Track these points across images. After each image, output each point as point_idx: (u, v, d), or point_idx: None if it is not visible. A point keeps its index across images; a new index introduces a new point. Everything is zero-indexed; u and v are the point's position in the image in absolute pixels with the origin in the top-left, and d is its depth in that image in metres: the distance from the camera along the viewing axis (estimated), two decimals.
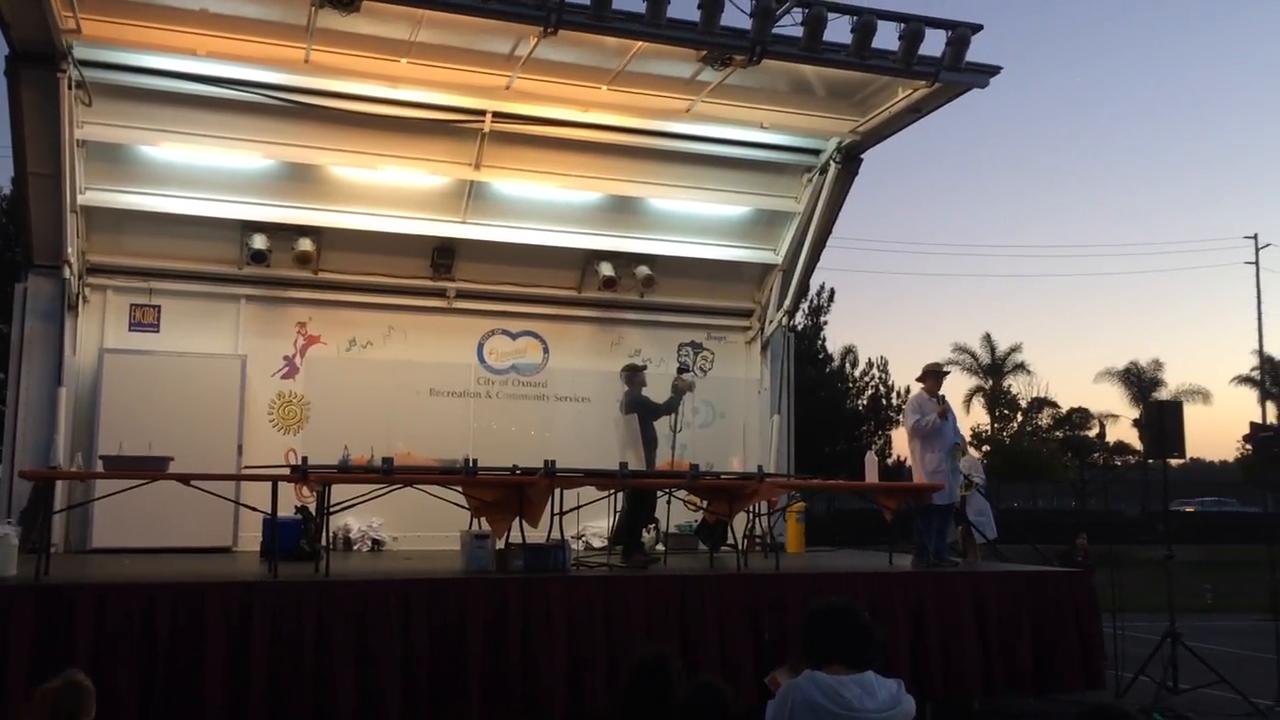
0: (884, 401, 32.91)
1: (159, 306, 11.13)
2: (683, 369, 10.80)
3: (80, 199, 10.17)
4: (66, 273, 10.17)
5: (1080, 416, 40.73)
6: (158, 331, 11.10)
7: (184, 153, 10.52)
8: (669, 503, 10.04)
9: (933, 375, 9.94)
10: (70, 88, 9.25)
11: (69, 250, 10.05)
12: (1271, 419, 41.33)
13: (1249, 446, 40.42)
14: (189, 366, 10.81)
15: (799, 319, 26.44)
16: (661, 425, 9.99)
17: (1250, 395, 42.90)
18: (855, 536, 17.21)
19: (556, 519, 8.80)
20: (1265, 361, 41.53)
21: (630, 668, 3.86)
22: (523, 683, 7.40)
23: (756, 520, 10.11)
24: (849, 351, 33.25)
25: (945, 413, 9.76)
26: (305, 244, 11.10)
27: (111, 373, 10.55)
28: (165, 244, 11.02)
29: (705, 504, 9.78)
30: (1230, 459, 46.92)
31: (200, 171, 10.67)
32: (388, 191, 11.30)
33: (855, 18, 9.11)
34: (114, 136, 10.22)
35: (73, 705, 3.83)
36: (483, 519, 8.48)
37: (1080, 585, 9.28)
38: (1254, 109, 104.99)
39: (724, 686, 3.63)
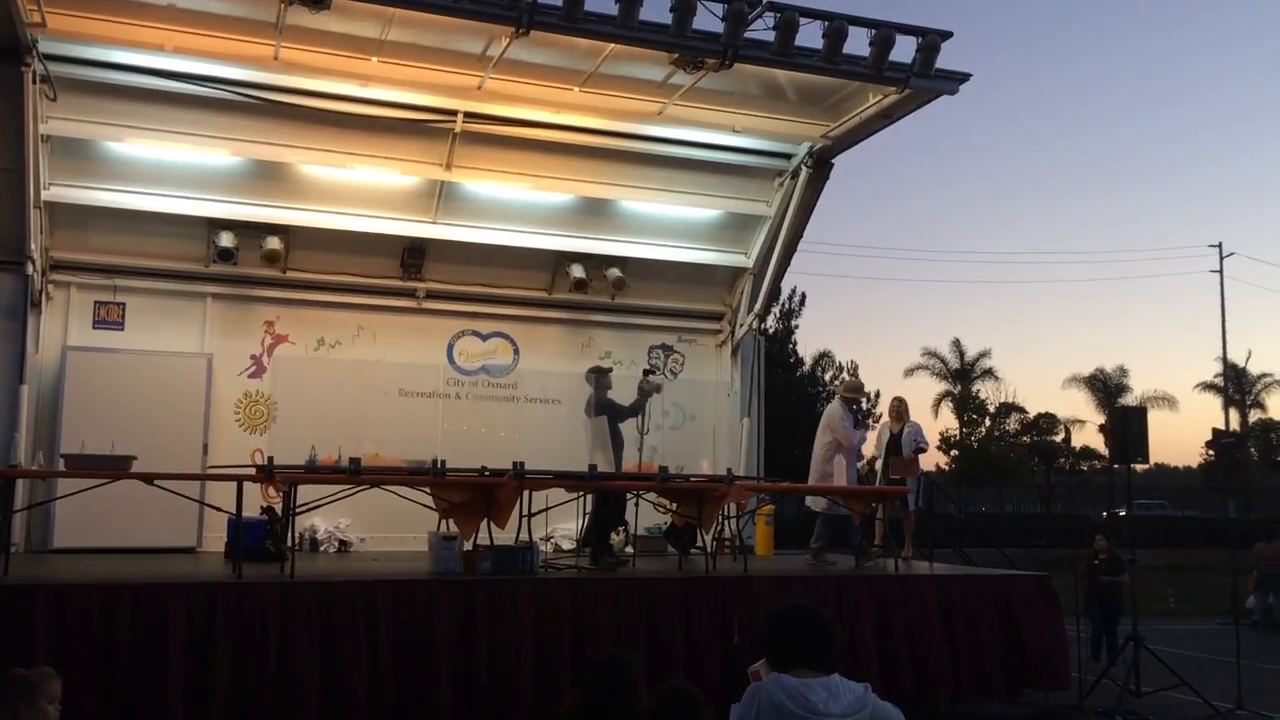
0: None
1: (124, 304, 11.00)
2: (650, 371, 10.78)
3: (44, 194, 10.04)
4: (29, 269, 10.05)
5: (1047, 422, 41.16)
6: (122, 329, 10.97)
7: (150, 149, 10.40)
8: (637, 505, 10.03)
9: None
10: (34, 82, 9.12)
11: (32, 246, 9.92)
12: (1234, 425, 41.92)
13: (1211, 452, 41.01)
14: (154, 365, 10.68)
15: (770, 323, 26.50)
16: (629, 427, 9.98)
17: (1214, 402, 43.58)
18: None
19: (525, 521, 8.77)
20: (1229, 369, 42.11)
21: (590, 666, 3.82)
22: (489, 685, 7.36)
23: (725, 523, 10.11)
24: (824, 356, 33.39)
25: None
26: (273, 242, 11.01)
27: (74, 370, 10.41)
28: (131, 241, 10.91)
29: (674, 507, 9.79)
30: (1194, 464, 47.49)
31: (167, 168, 10.55)
32: (357, 191, 11.23)
33: (827, 23, 9.15)
34: (79, 132, 10.09)
35: (14, 696, 3.80)
36: (451, 520, 8.45)
37: (1045, 588, 9.35)
38: (1220, 117, 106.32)
39: (697, 691, 3.59)
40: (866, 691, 3.40)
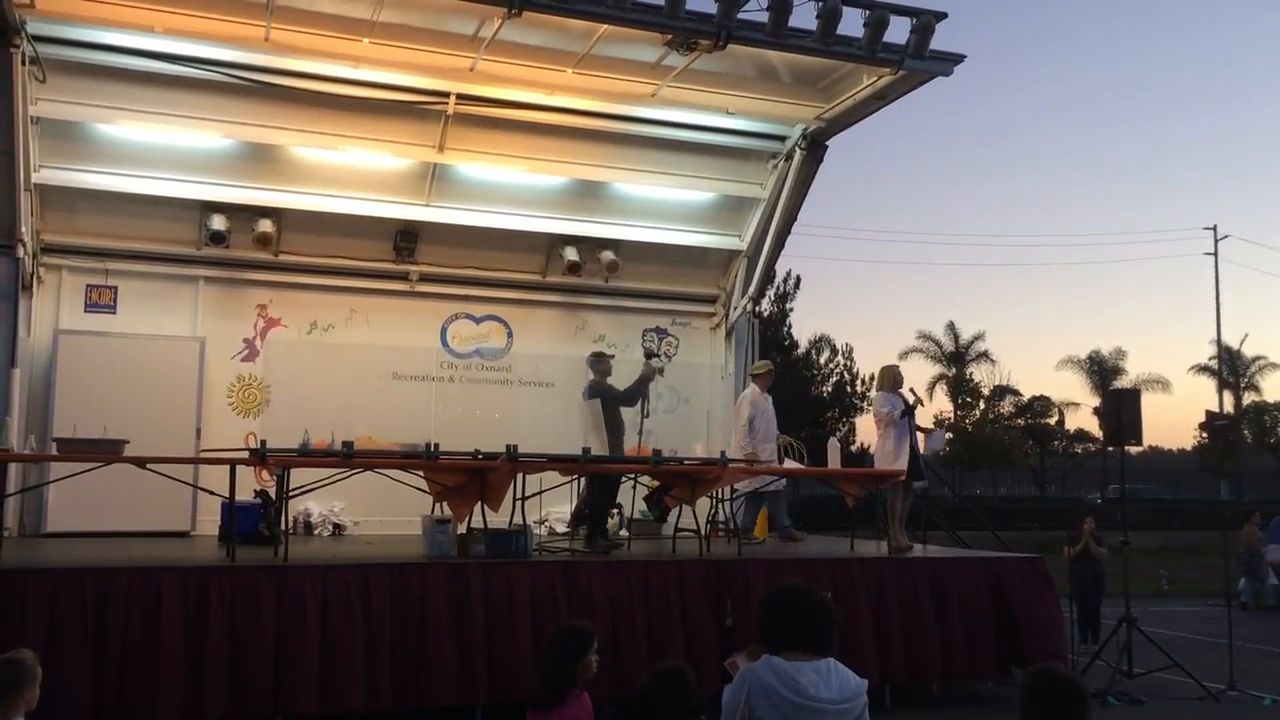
0: (848, 389, 33.13)
1: (115, 287, 10.95)
2: (650, 354, 10.76)
3: (34, 177, 9.98)
4: (20, 252, 9.99)
5: (1042, 404, 41.26)
6: (114, 313, 10.93)
7: (141, 131, 10.33)
8: (633, 488, 10.02)
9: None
10: (24, 63, 9.04)
11: (23, 229, 9.86)
12: (1229, 408, 42.02)
13: (1205, 434, 41.16)
14: (146, 348, 10.65)
15: (764, 305, 26.54)
16: (628, 411, 9.97)
17: (1208, 384, 43.67)
18: (818, 522, 17.30)
19: (519, 504, 8.76)
20: (1223, 351, 42.16)
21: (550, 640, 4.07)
22: (487, 668, 7.37)
23: (719, 506, 10.12)
24: (821, 339, 33.51)
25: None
26: (265, 225, 10.96)
27: (66, 354, 10.37)
28: (122, 224, 10.85)
29: (670, 490, 9.78)
30: (1188, 447, 47.63)
31: (158, 150, 10.49)
32: (349, 173, 11.17)
33: (821, 3, 9.09)
34: (69, 114, 10.02)
35: (9, 682, 3.80)
36: (444, 504, 8.44)
37: (1039, 569, 9.37)
38: (1214, 100, 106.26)
39: (687, 669, 3.57)
40: (862, 687, 3.34)
